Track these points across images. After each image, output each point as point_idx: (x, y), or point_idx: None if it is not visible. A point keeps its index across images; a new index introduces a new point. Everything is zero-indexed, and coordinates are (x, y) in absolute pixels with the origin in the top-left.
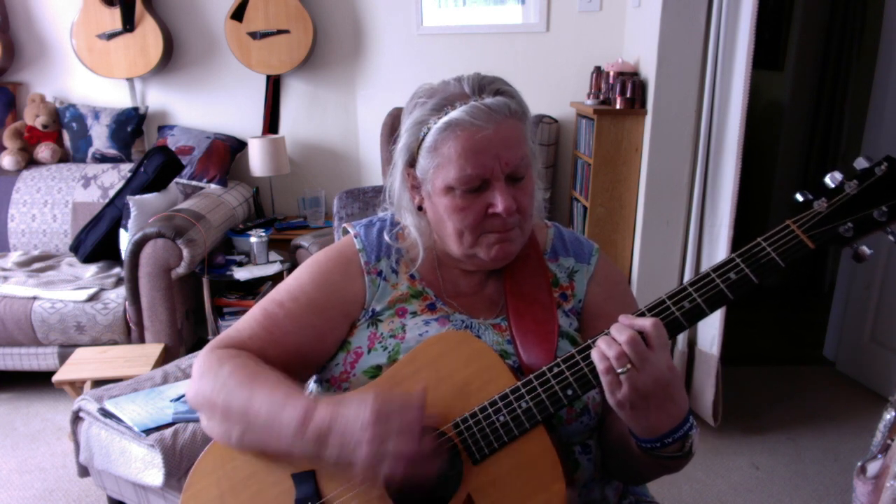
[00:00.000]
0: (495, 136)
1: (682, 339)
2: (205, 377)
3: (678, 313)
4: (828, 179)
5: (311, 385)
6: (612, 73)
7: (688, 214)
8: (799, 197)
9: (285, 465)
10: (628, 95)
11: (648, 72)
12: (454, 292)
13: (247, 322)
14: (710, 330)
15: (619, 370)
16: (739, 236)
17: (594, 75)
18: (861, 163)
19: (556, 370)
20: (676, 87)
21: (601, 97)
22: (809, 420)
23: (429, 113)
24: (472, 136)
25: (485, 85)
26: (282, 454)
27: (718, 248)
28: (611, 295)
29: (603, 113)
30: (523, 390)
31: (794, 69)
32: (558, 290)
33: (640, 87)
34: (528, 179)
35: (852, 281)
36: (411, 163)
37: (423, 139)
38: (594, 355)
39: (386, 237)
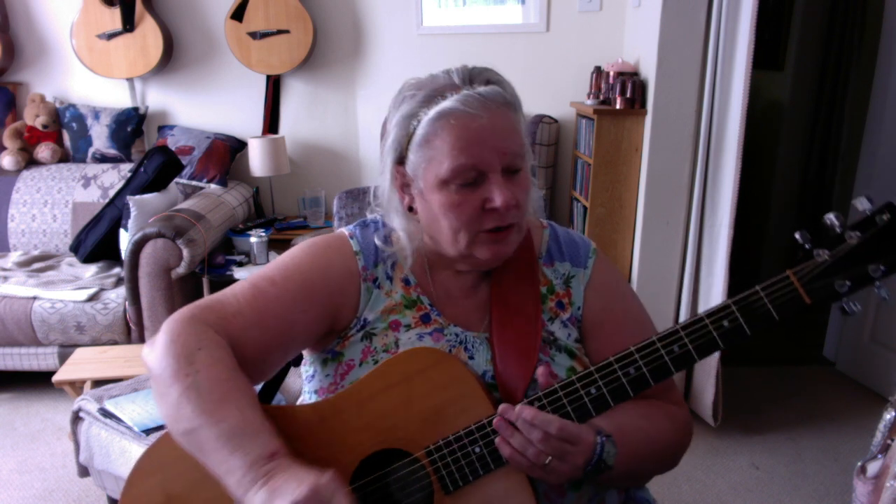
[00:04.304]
0: (490, 126)
1: None
2: (173, 351)
3: (667, 357)
4: (827, 222)
5: (305, 396)
6: (612, 73)
7: (688, 214)
8: (798, 237)
9: None
10: (628, 95)
11: (648, 72)
12: (445, 296)
13: (234, 296)
14: None
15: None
16: (739, 236)
17: (594, 75)
18: (864, 203)
19: (537, 405)
20: (676, 87)
21: (601, 97)
22: (809, 420)
23: (419, 105)
24: (467, 125)
25: (475, 75)
26: (217, 471)
27: (718, 248)
28: (611, 300)
29: (603, 113)
30: None
31: (794, 69)
32: (555, 298)
33: (640, 87)
34: (524, 173)
35: None
36: (400, 160)
37: (413, 133)
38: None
39: (377, 240)
